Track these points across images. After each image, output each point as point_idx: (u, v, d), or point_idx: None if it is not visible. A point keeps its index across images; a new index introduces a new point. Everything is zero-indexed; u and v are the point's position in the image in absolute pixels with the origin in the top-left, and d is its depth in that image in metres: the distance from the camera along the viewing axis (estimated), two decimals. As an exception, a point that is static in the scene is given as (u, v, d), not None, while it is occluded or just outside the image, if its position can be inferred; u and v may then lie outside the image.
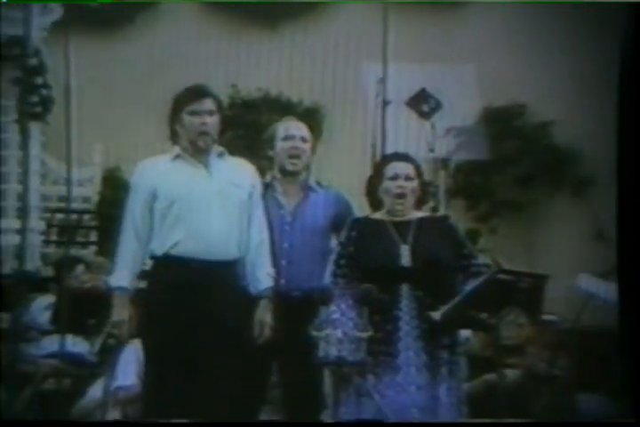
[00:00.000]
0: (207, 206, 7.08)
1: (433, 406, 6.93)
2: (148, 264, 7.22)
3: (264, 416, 7.60)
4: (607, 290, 8.98)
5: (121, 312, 7.10)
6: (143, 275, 7.18)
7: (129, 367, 7.97)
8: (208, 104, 7.18)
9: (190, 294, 6.97)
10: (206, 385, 6.96)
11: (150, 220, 7.12)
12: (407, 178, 7.15)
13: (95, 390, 8.49)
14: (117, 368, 8.23)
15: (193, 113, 7.12)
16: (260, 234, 7.23)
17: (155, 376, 7.12)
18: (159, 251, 7.07)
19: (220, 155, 7.23)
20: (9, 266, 10.00)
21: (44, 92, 11.85)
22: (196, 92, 7.25)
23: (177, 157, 7.17)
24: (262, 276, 7.16)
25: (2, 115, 12.13)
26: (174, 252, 7.04)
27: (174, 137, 7.26)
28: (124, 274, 7.13)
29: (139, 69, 12.91)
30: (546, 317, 9.03)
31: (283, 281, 7.22)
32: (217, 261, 7.06)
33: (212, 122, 7.16)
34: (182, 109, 7.15)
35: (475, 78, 11.79)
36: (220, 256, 7.08)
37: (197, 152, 7.16)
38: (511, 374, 8.49)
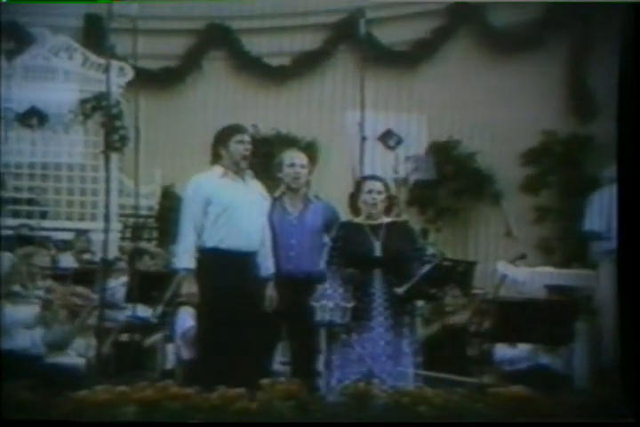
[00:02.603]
0: (245, 212, 7.14)
1: (397, 355, 6.87)
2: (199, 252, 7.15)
3: (276, 363, 7.42)
4: (515, 272, 8.88)
5: (190, 286, 7.06)
6: (197, 260, 7.10)
7: (186, 322, 7.81)
8: (247, 137, 7.26)
9: (230, 275, 7.02)
10: (238, 338, 6.92)
11: (202, 220, 7.05)
12: (378, 192, 7.09)
13: (155, 340, 8.28)
14: (177, 323, 8.09)
15: (239, 142, 7.20)
16: (267, 233, 7.23)
17: (205, 330, 7.12)
18: (209, 243, 7.08)
19: (250, 174, 7.26)
20: (98, 256, 9.83)
21: (121, 132, 11.77)
22: (240, 128, 7.36)
23: (224, 174, 7.18)
24: (269, 264, 7.18)
25: (93, 147, 11.94)
26: (221, 244, 7.07)
27: (215, 159, 7.27)
28: (187, 258, 7.09)
29: (187, 114, 12.79)
30: (475, 291, 8.98)
31: (291, 267, 7.20)
32: (247, 251, 7.13)
33: (249, 150, 7.19)
34: (230, 139, 7.21)
35: (426, 122, 11.65)
36: (249, 248, 7.14)
37: (238, 171, 7.20)
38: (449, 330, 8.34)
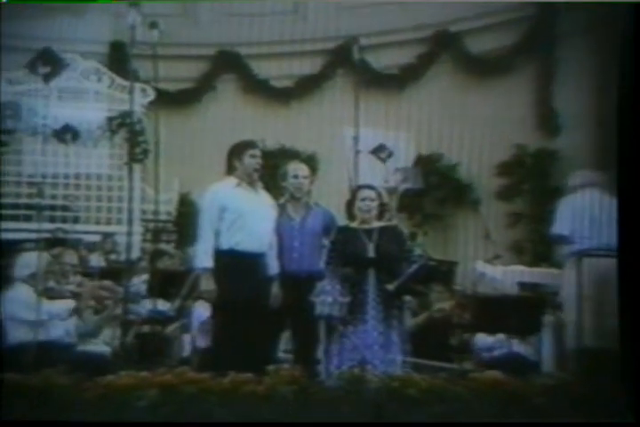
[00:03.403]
0: (257, 218, 7.18)
1: (388, 345, 6.90)
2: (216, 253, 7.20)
3: (280, 351, 7.38)
4: (491, 270, 8.88)
5: (208, 283, 7.12)
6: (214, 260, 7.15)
7: (201, 315, 7.83)
8: (258, 152, 7.31)
9: (243, 273, 7.07)
10: (247, 329, 6.94)
11: (218, 224, 7.09)
12: (371, 200, 7.13)
13: (173, 331, 8.22)
14: (193, 316, 8.05)
15: (252, 156, 7.26)
16: (274, 237, 7.26)
17: (219, 322, 7.19)
18: (225, 246, 7.12)
19: (261, 185, 7.31)
20: (123, 256, 9.80)
21: (143, 145, 11.70)
22: (253, 144, 7.42)
23: (238, 184, 7.23)
24: (275, 264, 7.22)
25: (118, 159, 11.92)
26: (236, 247, 7.11)
27: (230, 170, 7.31)
28: (206, 258, 7.13)
29: (202, 130, 12.72)
30: (456, 287, 8.96)
31: (294, 266, 7.24)
32: (257, 253, 7.16)
33: (260, 163, 7.24)
34: (243, 153, 7.28)
35: (413, 137, 11.62)
36: (259, 250, 7.17)
37: (251, 182, 7.25)
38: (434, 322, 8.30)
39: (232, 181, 7.22)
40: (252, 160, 7.22)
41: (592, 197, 8.29)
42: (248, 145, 7.32)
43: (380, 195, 7.27)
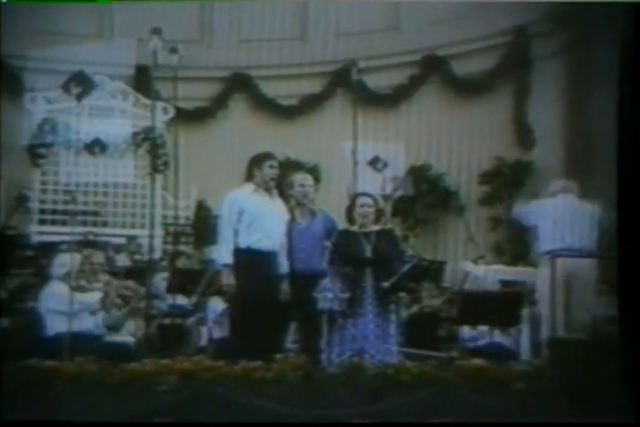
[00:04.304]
0: (270, 221, 7.09)
1: (383, 336, 6.87)
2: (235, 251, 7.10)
3: (288, 341, 7.34)
4: (476, 269, 8.84)
5: (228, 278, 7.02)
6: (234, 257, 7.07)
7: (216, 309, 7.77)
8: (275, 163, 7.26)
9: (258, 270, 7.01)
10: (258, 321, 6.84)
11: (237, 226, 7.03)
12: (369, 206, 7.09)
13: (191, 323, 8.19)
14: (209, 310, 8.06)
15: (271, 166, 7.19)
16: (285, 239, 7.16)
17: (235, 314, 7.15)
18: (243, 244, 7.04)
19: (276, 192, 7.25)
20: (146, 256, 9.78)
21: (164, 157, 11.71)
22: (272, 156, 7.34)
23: (255, 191, 7.17)
24: (285, 263, 7.08)
25: (141, 170, 11.89)
26: (253, 246, 7.04)
27: (249, 178, 7.23)
28: (227, 256, 7.04)
29: (216, 143, 12.75)
30: (445, 284, 8.91)
31: (300, 265, 7.10)
32: (271, 251, 7.08)
33: (277, 173, 7.21)
34: (264, 163, 7.20)
35: (406, 150, 11.62)
36: (273, 249, 7.08)
37: (267, 189, 7.18)
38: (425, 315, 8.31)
39: (250, 187, 7.18)
40: (269, 170, 7.15)
41: (564, 203, 8.25)
42: (267, 156, 7.26)
43: (376, 201, 7.25)
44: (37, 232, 11.29)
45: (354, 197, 7.33)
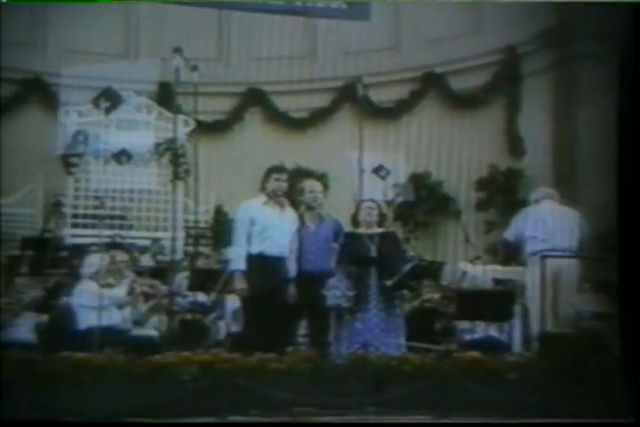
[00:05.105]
0: (281, 230, 7.03)
1: (387, 329, 6.83)
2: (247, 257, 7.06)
3: (299, 335, 7.29)
4: (472, 269, 8.81)
5: (241, 283, 6.99)
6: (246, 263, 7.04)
7: (233, 305, 7.72)
8: (284, 176, 7.19)
9: (269, 273, 6.95)
10: (271, 317, 6.81)
11: (249, 234, 6.98)
12: (373, 210, 7.07)
13: (210, 319, 8.18)
14: (227, 306, 7.95)
15: (277, 180, 7.12)
16: (295, 244, 7.08)
17: (249, 312, 7.08)
18: (255, 250, 6.99)
19: (286, 202, 7.21)
20: (168, 257, 9.76)
21: (185, 166, 11.67)
22: (279, 169, 7.33)
23: (265, 202, 7.12)
24: (293, 267, 6.99)
25: (164, 177, 11.86)
26: (264, 252, 6.99)
27: (262, 189, 7.19)
28: (239, 261, 7.01)
29: (233, 153, 12.72)
30: (443, 283, 8.86)
31: (310, 266, 7.01)
32: (280, 257, 7.02)
33: (285, 186, 7.14)
34: (270, 176, 7.15)
35: (407, 159, 11.60)
36: (282, 255, 7.02)
37: (276, 200, 7.13)
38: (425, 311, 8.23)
39: (262, 198, 7.15)
40: (275, 183, 7.10)
41: (548, 208, 8.24)
42: (274, 170, 7.23)
43: (379, 206, 7.21)
44: (70, 235, 11.27)
45: (359, 203, 7.30)
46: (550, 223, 8.07)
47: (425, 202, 12.37)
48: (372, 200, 7.30)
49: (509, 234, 8.33)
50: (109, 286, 7.34)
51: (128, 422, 6.04)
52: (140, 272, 8.37)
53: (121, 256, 7.77)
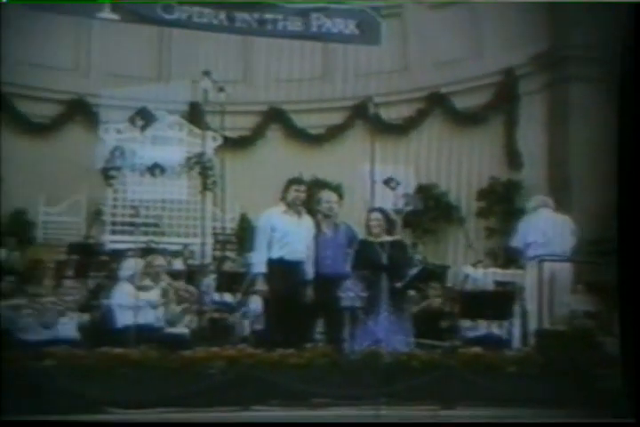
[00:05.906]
0: (299, 237, 7.02)
1: (397, 327, 6.85)
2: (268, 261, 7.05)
3: (316, 333, 7.27)
4: (474, 272, 8.78)
5: (262, 285, 6.99)
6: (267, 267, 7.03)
7: (257, 305, 7.69)
8: (303, 187, 7.19)
9: (288, 276, 6.95)
10: (292, 316, 6.82)
11: (270, 240, 6.96)
12: (379, 221, 7.04)
13: (236, 317, 8.13)
14: (251, 306, 7.90)
15: (296, 190, 7.11)
16: (312, 250, 7.09)
17: (271, 312, 7.06)
18: (275, 255, 6.97)
19: (304, 211, 7.19)
20: (197, 261, 9.77)
21: (213, 178, 11.67)
22: (299, 181, 7.30)
23: (285, 211, 7.10)
24: (310, 270, 7.01)
25: (194, 188, 11.86)
26: (284, 257, 6.97)
27: (283, 198, 7.15)
28: (261, 265, 7.00)
29: (256, 166, 12.72)
30: (448, 285, 8.85)
31: (327, 270, 7.01)
32: (299, 261, 7.01)
33: (303, 196, 7.12)
34: (290, 187, 7.14)
35: (415, 171, 11.55)
36: (300, 259, 7.01)
37: (295, 209, 7.11)
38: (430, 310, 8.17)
39: (282, 207, 7.13)
40: (294, 193, 7.09)
41: (545, 215, 8.22)
42: (294, 182, 7.20)
43: (389, 215, 7.22)
44: (110, 241, 11.31)
45: (371, 212, 7.27)
46: (547, 229, 8.05)
47: (431, 210, 12.33)
48: (379, 210, 7.25)
49: (515, 241, 8.28)
50: (146, 288, 7.37)
51: (131, 421, 5.95)
52: (172, 275, 8.39)
53: (158, 261, 7.79)
